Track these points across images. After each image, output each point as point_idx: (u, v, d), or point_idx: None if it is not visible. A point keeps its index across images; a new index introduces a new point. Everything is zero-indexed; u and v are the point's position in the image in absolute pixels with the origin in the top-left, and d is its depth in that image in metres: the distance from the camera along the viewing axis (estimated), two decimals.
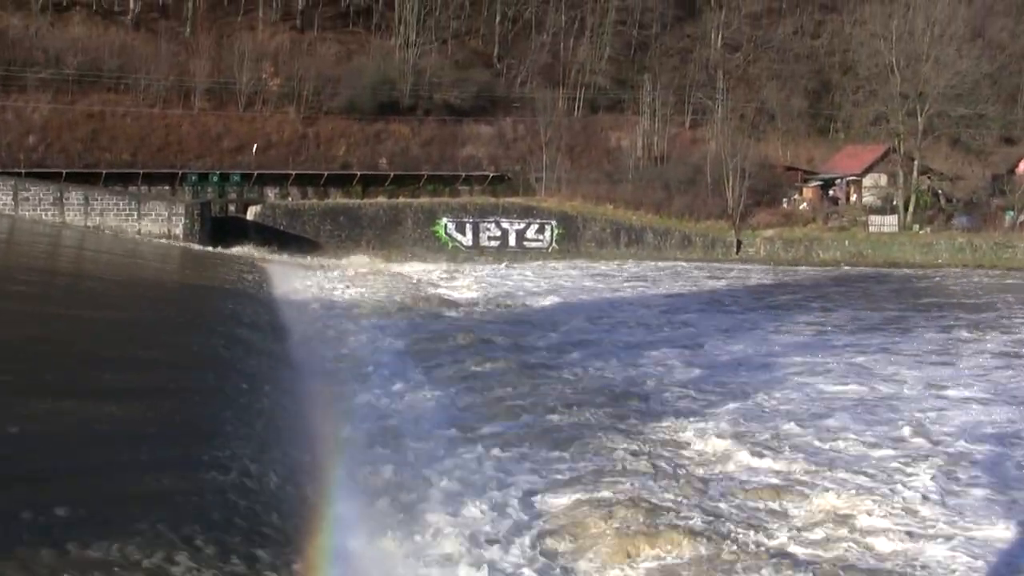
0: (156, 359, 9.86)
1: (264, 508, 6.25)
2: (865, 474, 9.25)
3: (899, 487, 8.86)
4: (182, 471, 6.34)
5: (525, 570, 6.95)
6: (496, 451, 9.81)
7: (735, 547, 7.41)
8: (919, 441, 10.47)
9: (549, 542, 7.55)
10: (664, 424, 11.10)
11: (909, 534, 7.74)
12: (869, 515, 8.14)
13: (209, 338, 11.82)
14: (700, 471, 9.36)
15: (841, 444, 10.33)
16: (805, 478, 9.15)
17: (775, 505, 8.43)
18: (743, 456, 9.81)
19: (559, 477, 9.07)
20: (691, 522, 7.85)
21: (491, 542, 7.37)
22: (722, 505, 8.40)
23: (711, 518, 7.99)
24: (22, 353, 8.87)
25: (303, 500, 6.97)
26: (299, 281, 24.51)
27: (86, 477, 5.81)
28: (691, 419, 11.30)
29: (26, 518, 5.00)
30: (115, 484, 5.82)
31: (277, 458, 7.28)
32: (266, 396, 9.53)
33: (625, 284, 28.67)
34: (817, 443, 10.37)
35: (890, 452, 10.00)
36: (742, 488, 8.86)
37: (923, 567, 7.18)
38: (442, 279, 28.93)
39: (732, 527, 7.83)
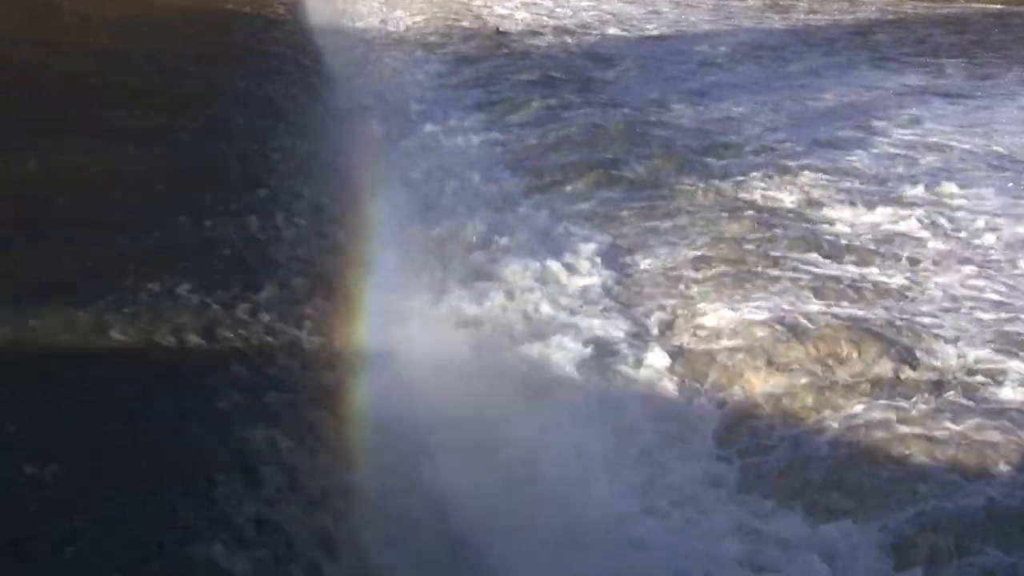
0: (179, 95, 8.97)
1: (298, 252, 5.68)
2: None
3: None
4: (209, 218, 5.62)
5: (602, 324, 6.35)
6: (562, 202, 8.99)
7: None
8: None
9: (632, 298, 6.92)
10: (751, 176, 10.06)
11: None
12: None
13: (238, 71, 10.82)
14: (799, 226, 8.48)
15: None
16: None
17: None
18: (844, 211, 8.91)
19: (640, 229, 8.31)
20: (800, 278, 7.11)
21: (570, 300, 6.74)
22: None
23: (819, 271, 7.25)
24: (32, 86, 8.08)
25: (340, 245, 6.35)
26: (337, 4, 22.85)
27: (107, 226, 5.15)
28: (778, 169, 10.25)
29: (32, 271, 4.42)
30: (136, 232, 5.18)
31: (310, 202, 6.55)
32: (300, 135, 8.71)
33: (703, 17, 25.89)
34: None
35: None
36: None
37: None
38: (498, 3, 26.71)
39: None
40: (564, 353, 6.07)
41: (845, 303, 7.03)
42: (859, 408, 5.65)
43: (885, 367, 6.09)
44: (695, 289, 7.27)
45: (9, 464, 2.97)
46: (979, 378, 6.01)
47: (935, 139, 12.20)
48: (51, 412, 3.36)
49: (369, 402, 4.45)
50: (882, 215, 8.88)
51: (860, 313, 6.83)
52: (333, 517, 3.49)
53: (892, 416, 5.52)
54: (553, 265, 7.25)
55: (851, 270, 7.67)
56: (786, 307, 6.85)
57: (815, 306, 6.93)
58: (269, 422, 3.69)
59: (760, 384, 5.98)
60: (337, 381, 4.54)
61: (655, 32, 21.74)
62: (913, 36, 22.49)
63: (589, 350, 6.14)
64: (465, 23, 21.84)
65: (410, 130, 11.53)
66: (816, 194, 9.52)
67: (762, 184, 9.80)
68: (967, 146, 11.85)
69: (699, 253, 7.90)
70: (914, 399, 5.71)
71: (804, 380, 5.98)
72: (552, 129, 11.57)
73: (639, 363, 6.11)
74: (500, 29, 21.08)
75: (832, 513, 4.79)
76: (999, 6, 29.12)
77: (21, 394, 3.43)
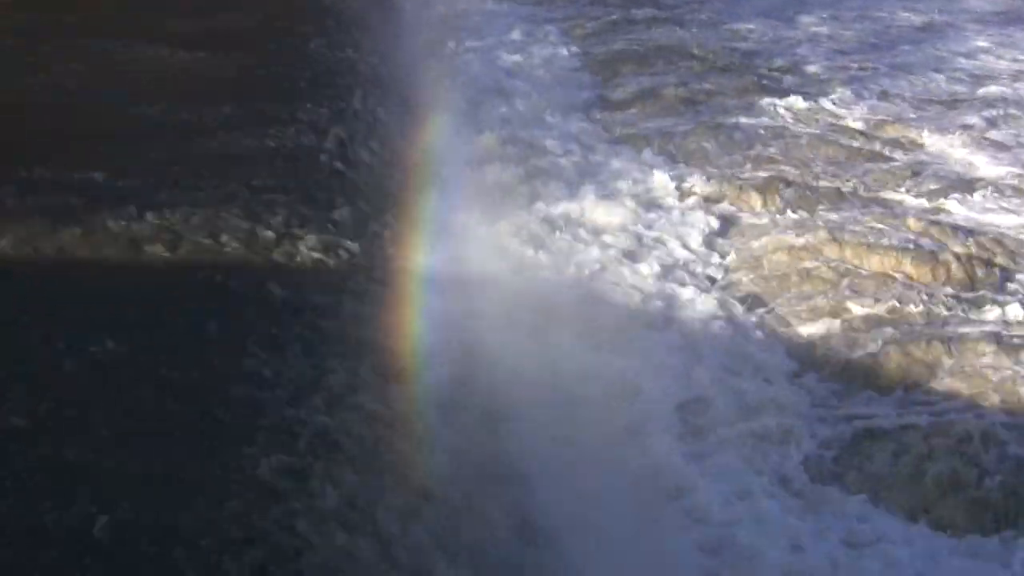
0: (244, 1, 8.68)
1: (358, 170, 5.45)
2: None
3: None
4: (268, 129, 5.45)
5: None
6: (633, 126, 8.67)
7: None
8: None
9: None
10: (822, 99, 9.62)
11: None
12: None
13: None
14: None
15: None
16: None
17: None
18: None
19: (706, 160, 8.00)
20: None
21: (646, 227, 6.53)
22: None
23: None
24: None
25: (402, 164, 6.15)
26: None
27: (161, 135, 5.00)
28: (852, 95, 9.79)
29: (98, 180, 4.32)
30: (193, 143, 5.02)
31: (371, 119, 6.33)
32: (361, 49, 8.41)
33: None
34: None
35: None
36: None
37: None
38: None
39: None
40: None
41: None
42: None
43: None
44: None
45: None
46: None
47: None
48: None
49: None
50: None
51: None
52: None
53: None
54: (624, 185, 7.05)
55: None
56: None
57: None
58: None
59: None
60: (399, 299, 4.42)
61: None
62: None
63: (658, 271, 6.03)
64: None
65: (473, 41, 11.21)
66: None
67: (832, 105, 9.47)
68: None
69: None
70: None
71: None
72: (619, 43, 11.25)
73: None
74: None
75: None
76: None
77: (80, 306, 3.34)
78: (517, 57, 10.54)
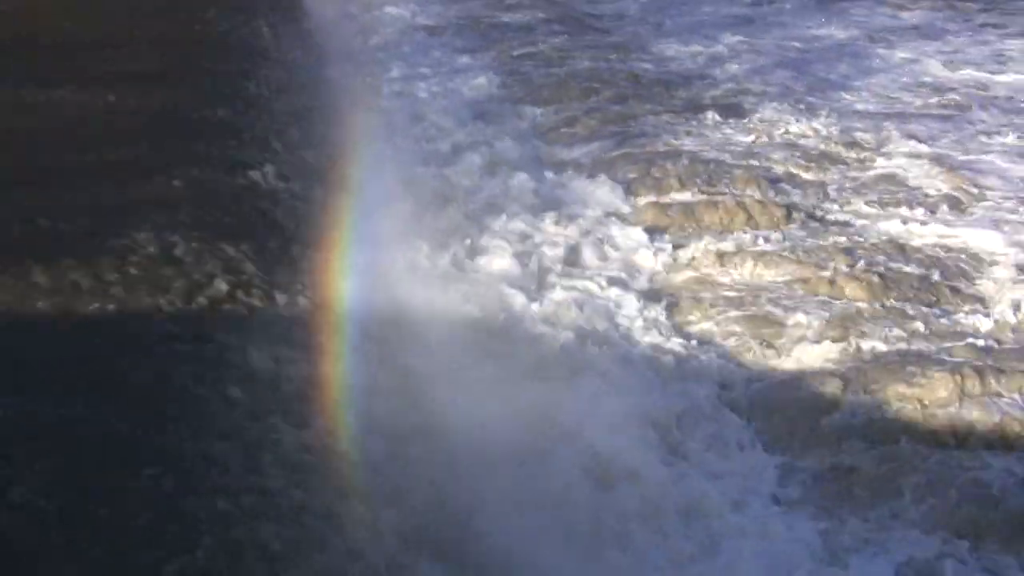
0: (158, 37, 8.71)
1: (280, 209, 5.47)
2: None
3: None
4: (188, 170, 5.50)
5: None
6: (563, 145, 8.84)
7: None
8: None
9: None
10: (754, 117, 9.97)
11: None
12: None
13: (219, 15, 10.50)
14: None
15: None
16: None
17: None
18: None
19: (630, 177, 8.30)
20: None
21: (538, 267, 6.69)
22: None
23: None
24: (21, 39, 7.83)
25: (324, 202, 6.23)
26: None
27: (84, 178, 5.00)
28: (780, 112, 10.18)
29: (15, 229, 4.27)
30: (117, 186, 5.02)
31: (294, 155, 6.43)
32: (284, 84, 8.50)
33: None
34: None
35: None
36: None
37: None
38: None
39: None
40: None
41: None
42: None
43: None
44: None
45: None
46: None
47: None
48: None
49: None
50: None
51: None
52: None
53: None
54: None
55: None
56: None
57: None
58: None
59: None
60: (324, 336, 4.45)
61: None
62: None
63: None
64: None
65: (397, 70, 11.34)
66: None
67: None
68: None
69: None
70: None
71: None
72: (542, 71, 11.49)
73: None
74: None
75: None
76: None
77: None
78: (442, 86, 10.74)
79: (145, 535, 2.57)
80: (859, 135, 9.53)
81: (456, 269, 6.30)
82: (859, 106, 10.66)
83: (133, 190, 4.92)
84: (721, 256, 6.88)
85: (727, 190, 8.06)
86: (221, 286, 4.16)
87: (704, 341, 6.02)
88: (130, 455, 2.90)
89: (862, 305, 6.34)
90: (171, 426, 3.12)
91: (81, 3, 9.18)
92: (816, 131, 9.51)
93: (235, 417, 3.34)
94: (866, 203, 7.90)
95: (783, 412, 5.40)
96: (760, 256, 6.90)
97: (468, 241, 6.67)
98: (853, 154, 9.02)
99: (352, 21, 14.60)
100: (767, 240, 7.17)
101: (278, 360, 3.86)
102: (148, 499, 2.72)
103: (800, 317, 6.18)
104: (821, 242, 7.10)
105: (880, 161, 8.96)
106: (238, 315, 4.07)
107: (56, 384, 3.17)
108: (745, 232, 7.23)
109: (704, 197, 7.81)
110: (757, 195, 7.90)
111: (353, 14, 15.23)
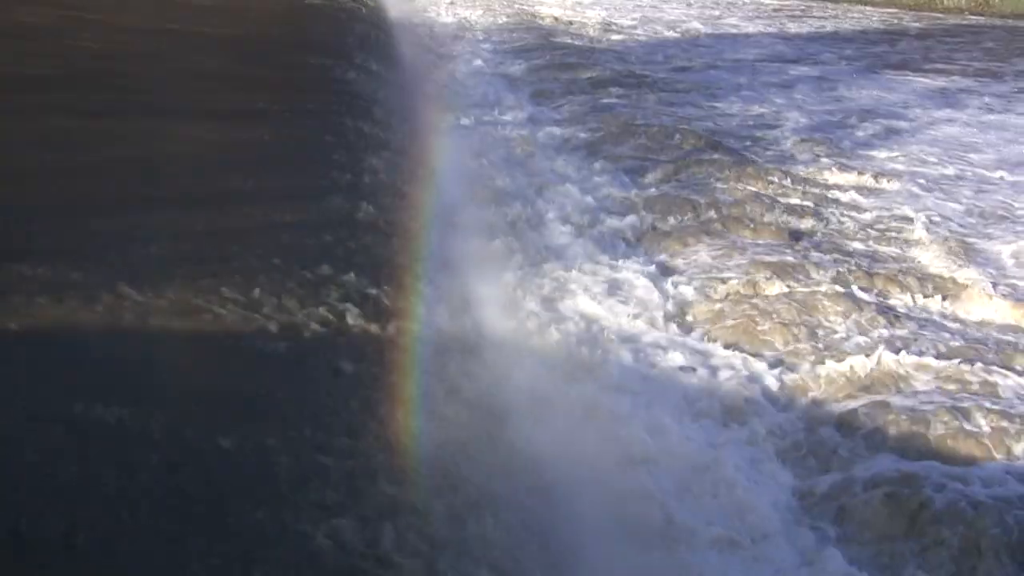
0: (262, 78, 9.28)
1: (372, 236, 5.73)
2: None
3: None
4: (289, 199, 5.81)
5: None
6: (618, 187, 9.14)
7: None
8: None
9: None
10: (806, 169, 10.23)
11: None
12: None
13: (316, 58, 11.14)
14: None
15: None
16: None
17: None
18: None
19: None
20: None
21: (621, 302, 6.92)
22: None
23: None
24: (127, 69, 8.41)
25: (416, 232, 6.52)
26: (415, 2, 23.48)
27: (199, 205, 5.33)
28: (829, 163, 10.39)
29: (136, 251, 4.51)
30: (227, 212, 5.37)
31: (379, 187, 6.77)
32: (377, 121, 8.95)
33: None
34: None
35: None
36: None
37: None
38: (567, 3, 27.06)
39: None
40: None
41: None
42: None
43: None
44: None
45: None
46: None
47: None
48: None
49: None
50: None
51: None
52: None
53: None
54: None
55: None
56: None
57: None
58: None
59: None
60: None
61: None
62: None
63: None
64: (537, 18, 22.27)
65: (476, 114, 11.82)
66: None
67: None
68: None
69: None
70: None
71: None
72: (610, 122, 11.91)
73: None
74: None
75: None
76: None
77: (121, 376, 3.40)
78: (521, 132, 11.14)
79: (247, 547, 2.73)
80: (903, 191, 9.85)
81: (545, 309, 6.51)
82: (907, 163, 11.31)
83: (241, 216, 5.27)
84: None
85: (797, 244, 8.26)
86: (321, 310, 4.35)
87: None
88: (233, 465, 3.09)
89: None
90: (271, 440, 3.30)
91: (194, 47, 9.87)
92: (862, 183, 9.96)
93: (332, 431, 3.50)
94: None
95: None
96: None
97: (545, 274, 6.92)
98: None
99: (439, 68, 15.21)
100: None
101: (375, 379, 4.04)
102: (249, 507, 2.91)
103: None
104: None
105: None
106: (343, 336, 4.26)
107: (168, 395, 3.37)
108: None
109: (769, 252, 7.98)
110: None
111: (439, 62, 15.87)
